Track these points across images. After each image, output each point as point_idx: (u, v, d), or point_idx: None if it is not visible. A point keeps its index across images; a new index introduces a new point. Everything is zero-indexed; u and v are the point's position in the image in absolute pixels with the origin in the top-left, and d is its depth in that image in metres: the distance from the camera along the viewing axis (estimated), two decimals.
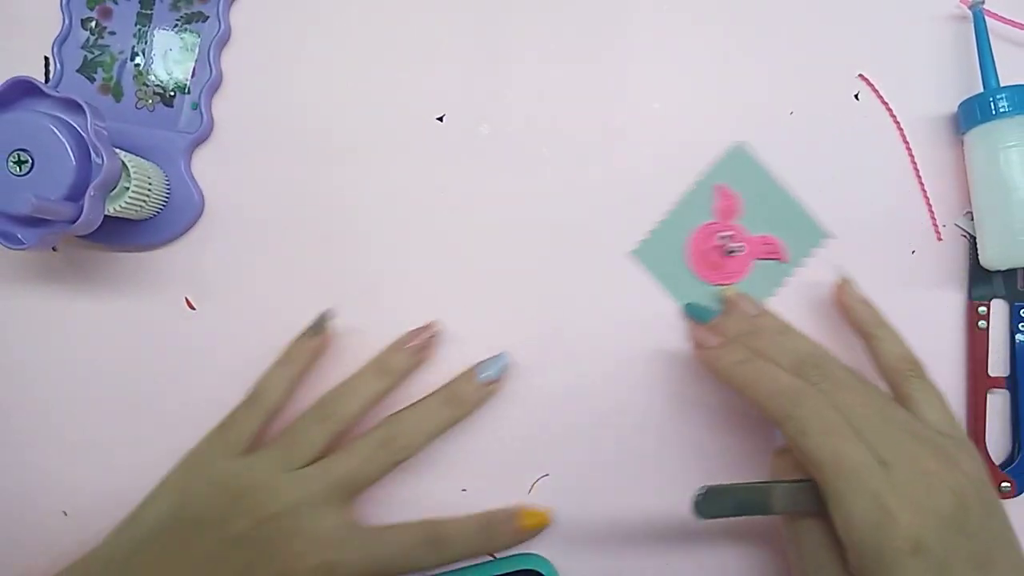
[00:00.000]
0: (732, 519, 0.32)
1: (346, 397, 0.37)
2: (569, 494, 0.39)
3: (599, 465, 0.39)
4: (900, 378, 0.35)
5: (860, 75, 0.40)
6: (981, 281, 0.39)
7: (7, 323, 0.40)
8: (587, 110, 0.40)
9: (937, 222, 0.40)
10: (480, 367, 0.38)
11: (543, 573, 0.37)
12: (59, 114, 0.33)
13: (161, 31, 0.40)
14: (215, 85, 0.40)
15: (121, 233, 0.39)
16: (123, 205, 0.35)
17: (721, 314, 0.39)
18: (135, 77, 0.40)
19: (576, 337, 0.39)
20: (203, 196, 0.40)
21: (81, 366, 0.40)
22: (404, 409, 0.38)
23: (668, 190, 0.40)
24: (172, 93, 0.40)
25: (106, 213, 0.34)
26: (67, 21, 0.40)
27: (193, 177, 0.40)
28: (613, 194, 0.40)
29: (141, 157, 0.37)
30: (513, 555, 0.38)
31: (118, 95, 0.40)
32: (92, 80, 0.40)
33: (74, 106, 0.33)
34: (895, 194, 0.40)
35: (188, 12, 0.40)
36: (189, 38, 0.40)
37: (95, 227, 0.33)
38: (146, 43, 0.40)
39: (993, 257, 0.37)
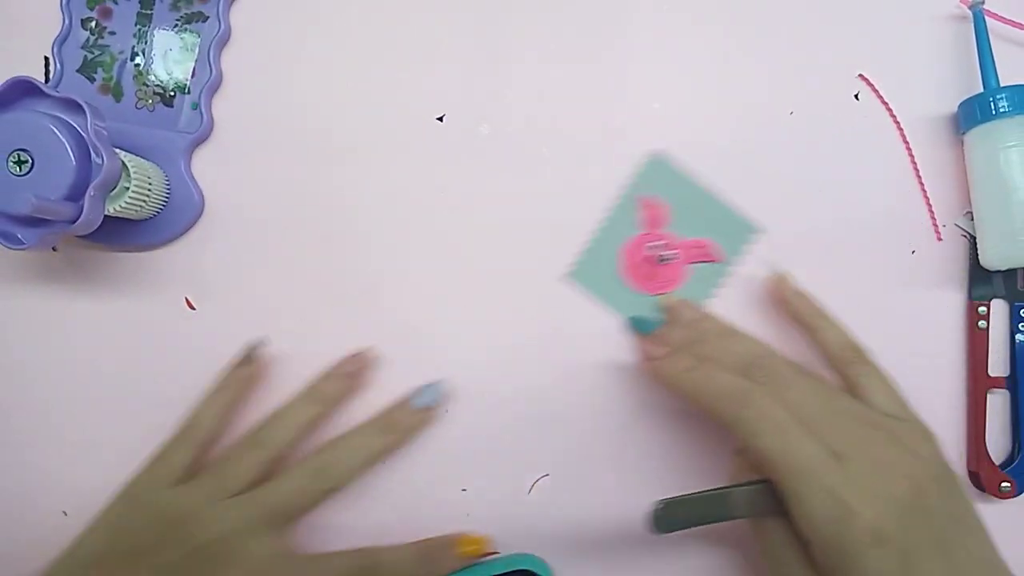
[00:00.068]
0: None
1: (279, 425, 0.37)
2: (569, 494, 0.39)
3: (599, 465, 0.39)
4: (845, 366, 0.35)
5: (860, 75, 0.40)
6: (981, 281, 0.39)
7: (7, 323, 0.40)
8: (587, 110, 0.40)
9: (937, 222, 0.40)
10: (415, 394, 0.38)
11: (538, 573, 0.37)
12: (59, 114, 0.33)
13: (161, 31, 0.40)
14: (215, 85, 0.40)
15: (121, 233, 0.39)
16: (123, 205, 0.35)
17: (665, 324, 0.39)
18: (135, 77, 0.40)
19: (577, 336, 0.39)
20: (203, 196, 0.40)
21: (81, 366, 0.40)
22: (339, 437, 0.37)
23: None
24: (172, 93, 0.40)
25: (106, 213, 0.34)
26: (67, 21, 0.40)
27: (193, 177, 0.40)
28: (613, 194, 0.40)
29: (141, 157, 0.37)
30: (507, 556, 0.38)
31: (118, 95, 0.40)
32: (92, 80, 0.40)
33: (74, 106, 0.33)
34: (895, 194, 0.40)
35: (188, 12, 0.40)
36: (189, 38, 0.40)
37: (95, 227, 0.33)
38: (146, 43, 0.40)
39: (993, 257, 0.37)
